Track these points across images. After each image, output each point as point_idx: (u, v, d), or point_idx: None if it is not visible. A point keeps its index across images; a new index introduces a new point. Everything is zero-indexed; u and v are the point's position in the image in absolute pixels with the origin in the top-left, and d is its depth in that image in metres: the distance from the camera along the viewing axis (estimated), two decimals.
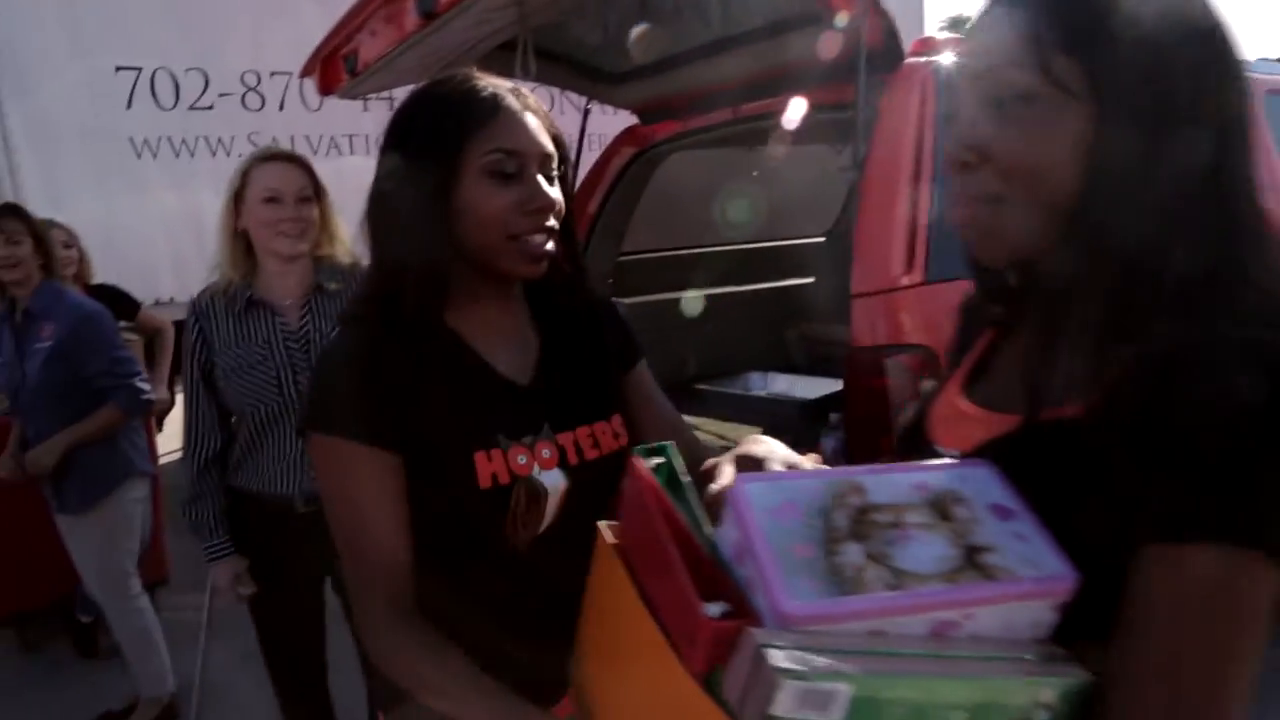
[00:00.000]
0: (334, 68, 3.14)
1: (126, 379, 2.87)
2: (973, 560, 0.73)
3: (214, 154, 5.35)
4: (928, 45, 2.53)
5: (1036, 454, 0.78)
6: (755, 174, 3.72)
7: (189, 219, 5.21)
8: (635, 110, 3.69)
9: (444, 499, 1.15)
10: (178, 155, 5.26)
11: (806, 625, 0.67)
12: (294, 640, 2.44)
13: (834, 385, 2.67)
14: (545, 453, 1.20)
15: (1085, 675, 0.69)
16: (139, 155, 5.15)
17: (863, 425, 2.37)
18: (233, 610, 2.50)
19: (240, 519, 2.31)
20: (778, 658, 0.64)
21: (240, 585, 2.31)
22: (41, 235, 2.94)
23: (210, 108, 5.34)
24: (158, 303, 4.82)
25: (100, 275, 3.93)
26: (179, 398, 4.68)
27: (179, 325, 3.29)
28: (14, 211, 2.97)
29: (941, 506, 0.77)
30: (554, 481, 1.20)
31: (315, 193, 2.28)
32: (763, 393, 3.85)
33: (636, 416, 1.33)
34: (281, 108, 5.51)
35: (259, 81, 5.46)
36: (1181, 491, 0.65)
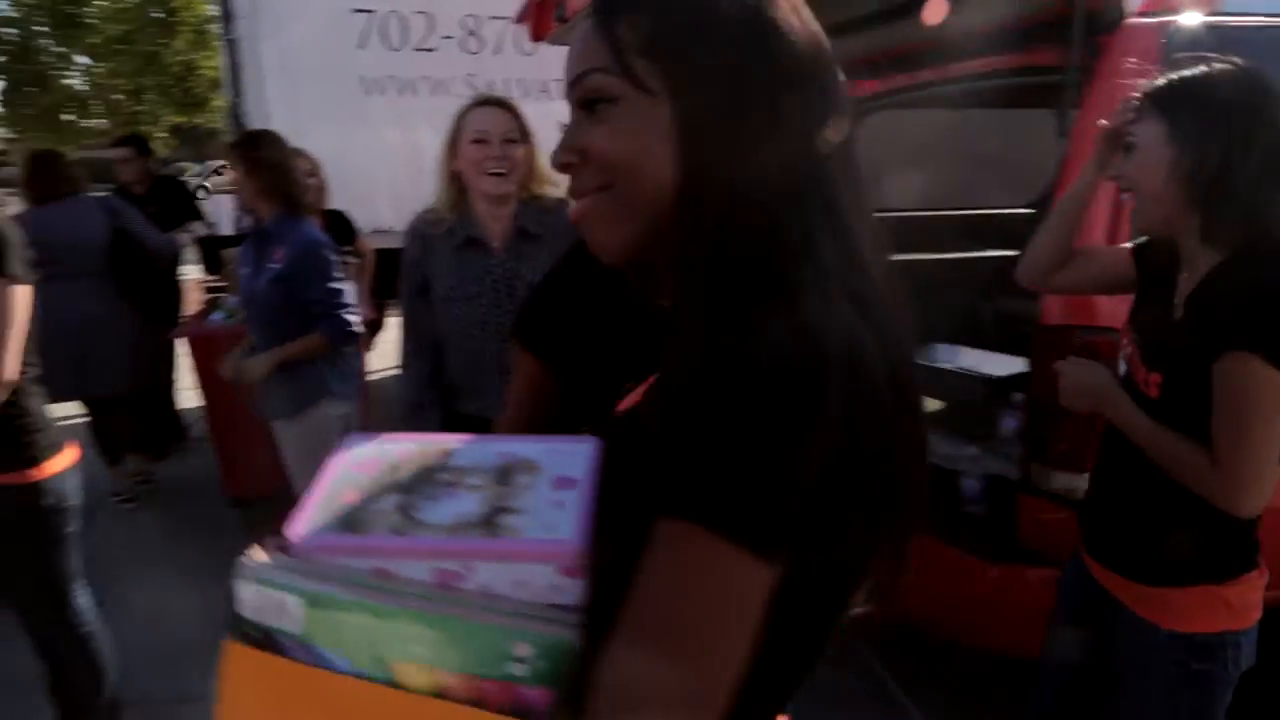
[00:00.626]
0: (545, 15, 3.26)
1: (336, 311, 3.09)
2: (490, 519, 0.76)
3: (433, 93, 5.65)
4: (1159, 4, 2.36)
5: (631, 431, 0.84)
6: (957, 138, 3.59)
7: (408, 154, 5.57)
8: None
9: None
10: (401, 93, 5.61)
11: (306, 554, 0.73)
12: None
13: (1023, 364, 2.58)
14: None
15: (566, 635, 0.70)
16: (367, 93, 5.53)
17: (1043, 407, 2.29)
18: None
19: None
20: (247, 565, 0.72)
21: None
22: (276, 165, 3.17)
23: (433, 50, 5.64)
24: (376, 230, 5.18)
25: (329, 202, 4.28)
26: (389, 319, 5.10)
27: (390, 253, 3.55)
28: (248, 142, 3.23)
29: (507, 473, 0.82)
30: None
31: (521, 135, 2.39)
32: (948, 365, 3.74)
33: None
34: (498, 51, 5.74)
35: (478, 25, 5.70)
36: (674, 470, 0.68)
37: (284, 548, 0.75)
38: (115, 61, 20.35)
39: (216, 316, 4.64)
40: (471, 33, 5.68)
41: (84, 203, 4.21)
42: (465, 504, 0.78)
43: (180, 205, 5.57)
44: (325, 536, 0.75)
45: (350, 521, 0.77)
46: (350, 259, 4.10)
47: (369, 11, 5.45)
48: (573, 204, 0.85)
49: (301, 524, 0.76)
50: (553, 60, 5.50)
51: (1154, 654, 1.67)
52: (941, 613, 2.48)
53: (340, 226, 4.17)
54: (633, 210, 0.80)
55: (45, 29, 21.42)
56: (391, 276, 4.60)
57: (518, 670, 0.70)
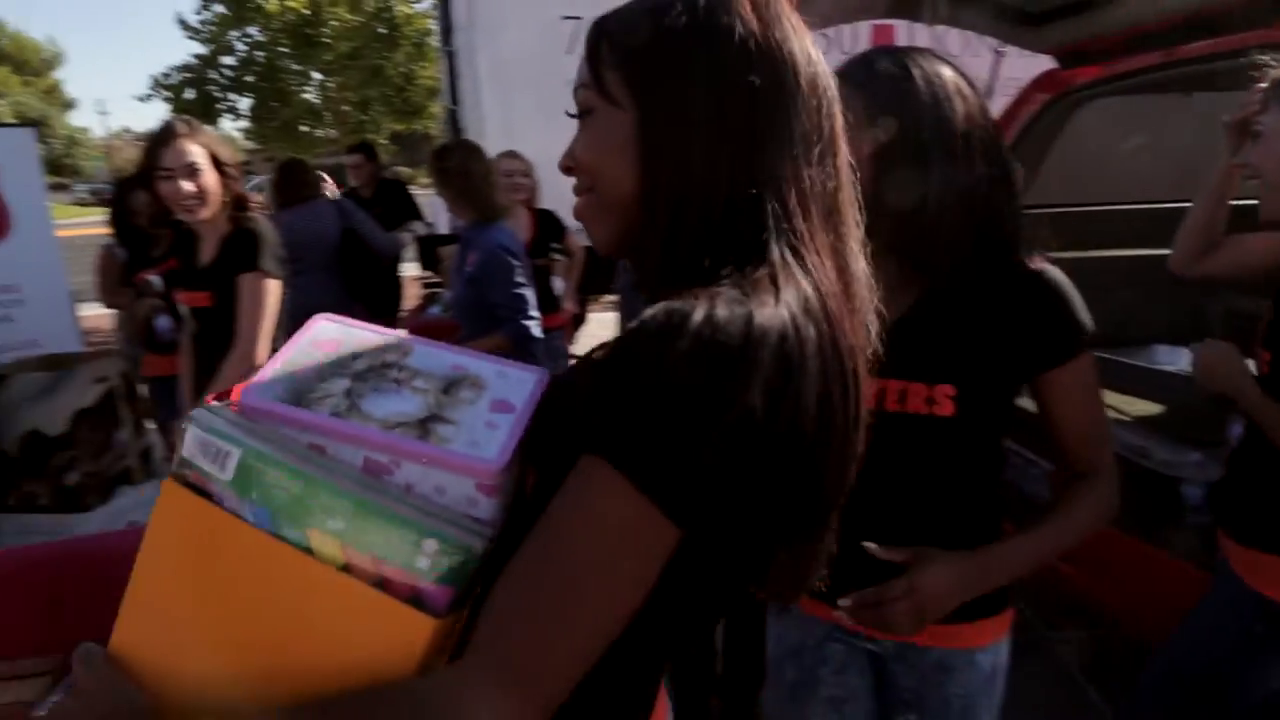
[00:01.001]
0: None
1: (517, 315, 3.26)
2: (425, 423, 0.82)
3: None
4: None
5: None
6: (1186, 125, 3.36)
7: None
8: (1053, 53, 3.47)
9: None
10: None
11: (252, 416, 0.80)
12: None
13: (1252, 367, 2.40)
14: None
15: (474, 544, 0.75)
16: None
17: None
18: None
19: None
20: (199, 412, 0.80)
21: None
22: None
23: None
24: (580, 229, 5.39)
25: (541, 201, 4.50)
26: (590, 314, 5.28)
27: (593, 250, 3.69)
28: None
29: (454, 384, 0.89)
30: None
31: None
32: (1169, 368, 3.52)
33: (1051, 415, 1.44)
34: None
35: None
36: (603, 416, 0.74)
37: (235, 405, 0.83)
38: (345, 75, 21.96)
39: (433, 310, 4.96)
40: None
41: (321, 205, 4.61)
42: (407, 404, 0.85)
43: (402, 206, 5.98)
44: (273, 404, 0.82)
45: (299, 395, 0.84)
46: (559, 256, 4.29)
47: (577, 18, 5.66)
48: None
49: (255, 388, 0.84)
50: None
51: None
52: (1159, 622, 2.35)
53: (550, 225, 4.38)
54: (609, 209, 0.90)
55: (287, 49, 23.42)
56: (594, 273, 4.81)
57: (422, 564, 0.75)
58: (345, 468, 0.80)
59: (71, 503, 4.36)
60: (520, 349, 3.27)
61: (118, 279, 4.37)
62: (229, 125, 28.23)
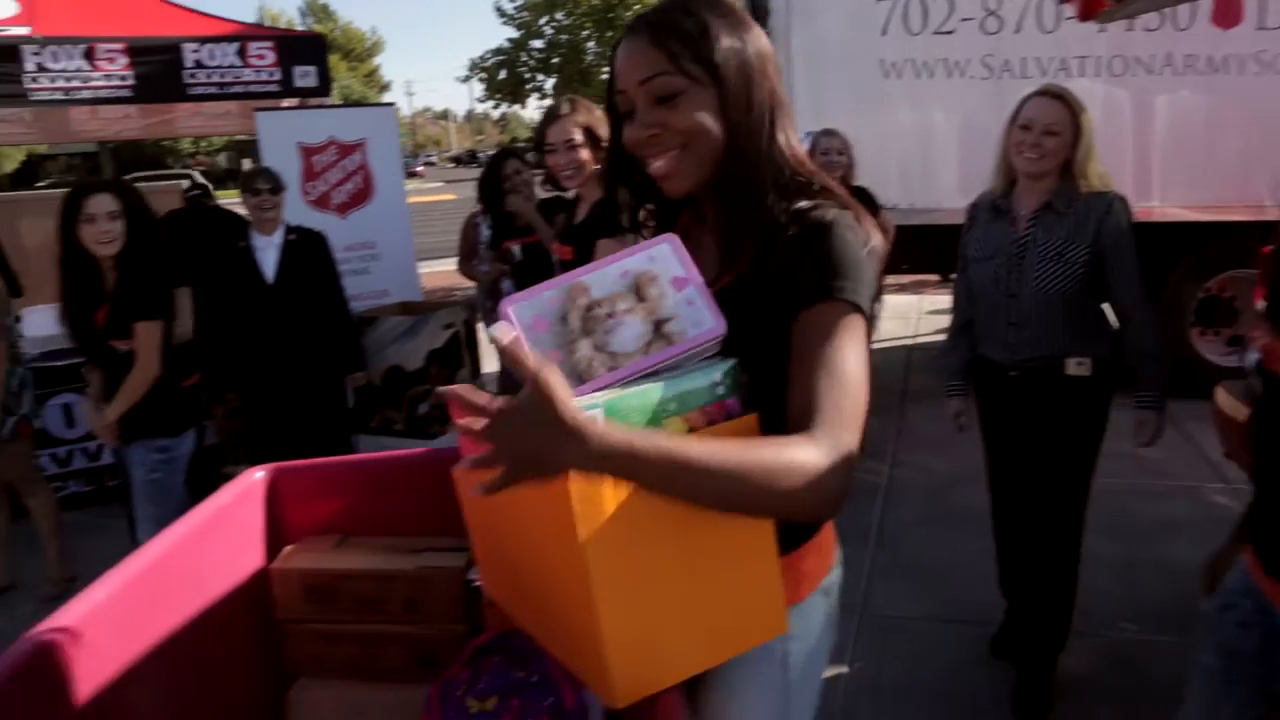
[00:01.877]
0: None
1: None
2: (660, 331, 1.13)
3: (949, 75, 5.75)
4: None
5: (745, 290, 1.25)
6: None
7: (919, 136, 5.78)
8: None
9: None
10: (917, 76, 5.79)
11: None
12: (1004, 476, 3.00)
13: None
14: None
15: (732, 360, 1.14)
16: (885, 76, 5.80)
17: None
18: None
19: (979, 376, 2.95)
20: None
21: (962, 419, 3.01)
22: None
23: (951, 32, 5.73)
24: (880, 208, 5.46)
25: (856, 179, 4.63)
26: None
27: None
28: None
29: (639, 288, 1.16)
30: None
31: (1066, 128, 2.59)
32: None
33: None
34: (1018, 30, 5.68)
35: (999, 5, 5.68)
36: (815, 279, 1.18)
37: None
38: None
39: None
40: (991, 13, 5.68)
41: None
42: (633, 328, 1.15)
43: None
44: (587, 388, 1.09)
45: (574, 375, 1.11)
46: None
47: (890, 1, 5.71)
48: (656, 163, 1.26)
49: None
50: (1076, 37, 5.39)
51: None
52: None
53: (865, 202, 4.51)
54: (701, 161, 1.26)
55: (590, 32, 24.69)
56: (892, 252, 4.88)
57: (720, 391, 1.12)
58: (652, 381, 1.11)
59: (420, 429, 5.05)
60: None
61: (473, 248, 4.86)
62: (535, 104, 30.16)
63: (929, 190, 5.70)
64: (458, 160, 65.14)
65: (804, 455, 1.03)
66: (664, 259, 1.22)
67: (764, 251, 1.25)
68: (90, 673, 1.43)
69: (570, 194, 3.20)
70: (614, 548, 1.02)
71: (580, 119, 2.92)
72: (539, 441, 0.93)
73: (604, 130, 2.94)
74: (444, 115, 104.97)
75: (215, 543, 1.83)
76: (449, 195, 29.71)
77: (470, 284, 5.27)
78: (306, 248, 4.27)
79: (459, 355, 5.22)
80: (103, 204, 3.13)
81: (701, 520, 1.04)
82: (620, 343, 1.13)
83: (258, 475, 2.01)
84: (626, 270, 1.21)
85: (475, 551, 1.55)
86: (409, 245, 6.40)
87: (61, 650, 1.38)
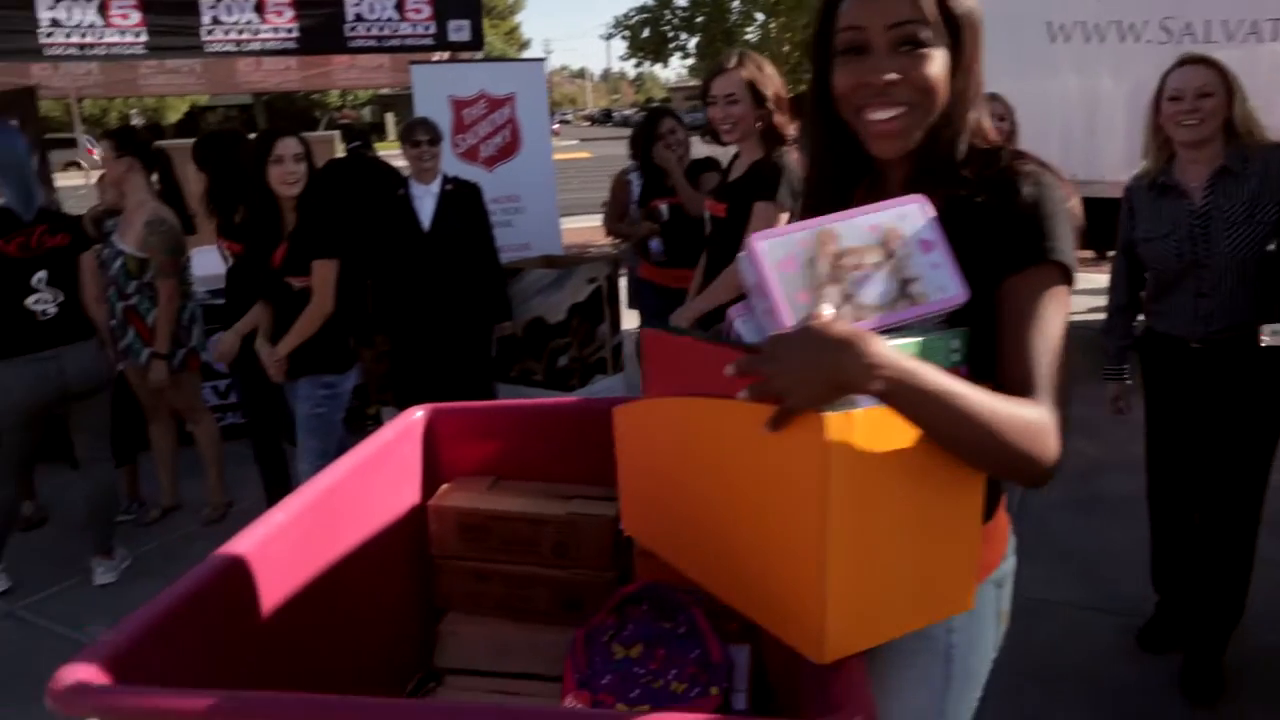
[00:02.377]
0: None
1: None
2: (905, 290, 1.14)
3: (1122, 39, 5.42)
4: None
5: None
6: None
7: (1085, 101, 5.49)
8: None
9: None
10: (1087, 40, 5.48)
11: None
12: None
13: None
14: None
15: (967, 329, 1.15)
16: (1052, 39, 5.51)
17: None
18: None
19: (1153, 353, 2.84)
20: None
21: (1120, 403, 2.93)
22: None
23: None
24: None
25: (1018, 144, 4.43)
26: None
27: None
28: None
29: (887, 244, 1.15)
30: None
31: (1219, 88, 2.54)
32: None
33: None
34: None
35: None
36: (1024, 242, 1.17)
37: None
38: (788, 16, 22.37)
39: None
40: None
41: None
42: (880, 284, 1.14)
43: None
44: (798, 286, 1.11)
45: (814, 304, 1.09)
46: None
47: None
48: (881, 115, 1.21)
49: (789, 320, 1.08)
50: None
51: None
52: None
53: None
54: (924, 118, 1.22)
55: None
56: None
57: (955, 357, 1.14)
58: (894, 341, 1.08)
59: (559, 381, 5.13)
60: None
61: (624, 206, 4.85)
62: (678, 63, 30.01)
63: (1092, 162, 5.41)
64: (593, 119, 65.57)
65: (1038, 419, 1.07)
66: (912, 218, 1.19)
67: (955, 220, 1.20)
68: (265, 593, 1.50)
69: (729, 150, 3.16)
70: (854, 500, 1.02)
71: (745, 74, 2.87)
72: (821, 357, 0.98)
73: (770, 87, 2.89)
74: (580, 74, 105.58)
75: (378, 478, 1.90)
76: (584, 154, 29.96)
77: (609, 241, 5.29)
78: (462, 198, 4.37)
79: (600, 310, 5.27)
80: (289, 146, 3.29)
81: (931, 480, 1.07)
82: (867, 296, 1.13)
83: (417, 415, 2.07)
84: (876, 225, 1.19)
85: (623, 494, 1.54)
86: (552, 199, 6.48)
87: (243, 570, 1.46)
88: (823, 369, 0.98)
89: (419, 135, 4.25)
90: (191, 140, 4.69)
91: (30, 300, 3.48)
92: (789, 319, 1.08)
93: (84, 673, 1.10)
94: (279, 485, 3.80)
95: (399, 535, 1.94)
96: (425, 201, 4.30)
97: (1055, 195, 1.19)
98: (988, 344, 1.16)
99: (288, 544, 1.58)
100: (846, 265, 1.15)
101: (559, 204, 6.70)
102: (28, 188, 3.50)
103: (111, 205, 4.26)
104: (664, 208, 4.42)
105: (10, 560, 3.74)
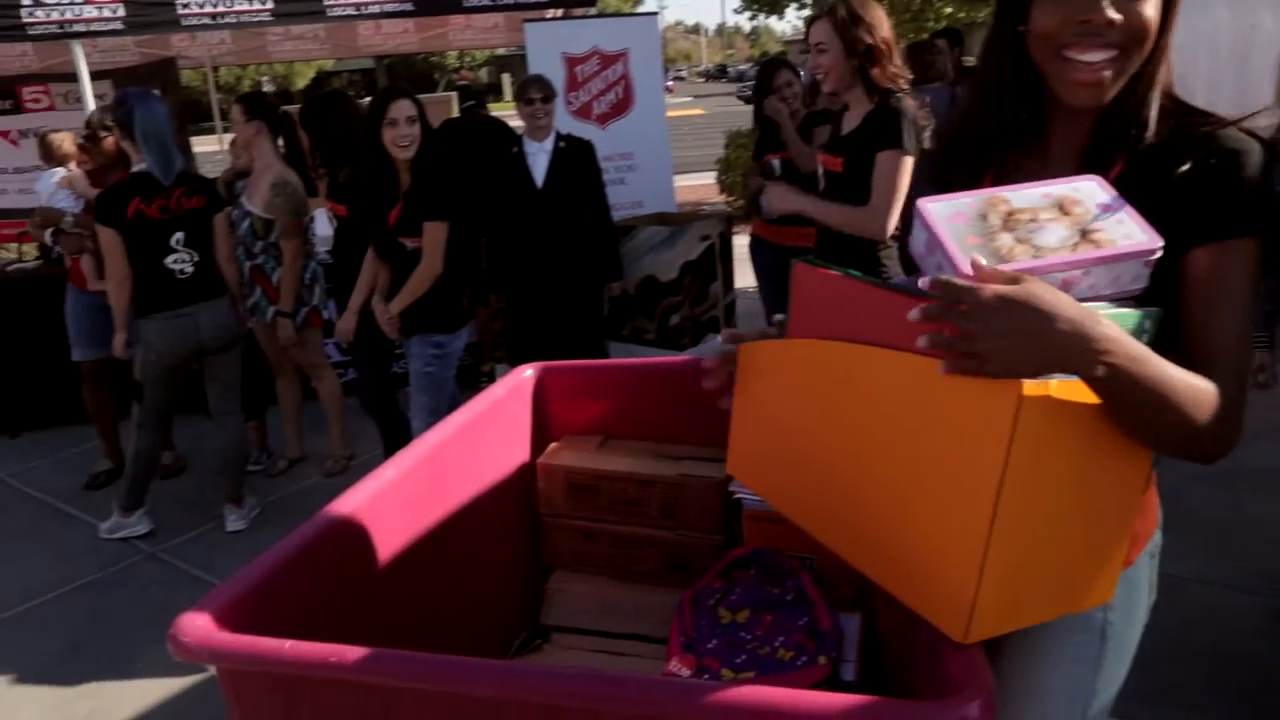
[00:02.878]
0: None
1: None
2: (1086, 236, 1.06)
3: None
4: None
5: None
6: None
7: (1237, 39, 5.09)
8: None
9: None
10: None
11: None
12: None
13: None
14: None
15: (1159, 310, 1.05)
16: None
17: None
18: None
19: None
20: None
21: (1262, 376, 2.78)
22: None
23: None
24: None
25: None
26: None
27: None
28: None
29: (1063, 206, 1.09)
30: None
31: None
32: None
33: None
34: None
35: None
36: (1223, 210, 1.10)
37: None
38: None
39: None
40: None
41: (939, 91, 4.67)
42: (1060, 232, 1.06)
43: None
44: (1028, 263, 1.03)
45: (995, 259, 1.03)
46: None
47: None
48: (1093, 58, 1.11)
49: (964, 261, 1.01)
50: None
51: None
52: None
53: None
54: (1130, 65, 1.13)
55: None
56: None
57: (1145, 339, 1.01)
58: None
59: (671, 340, 5.11)
60: None
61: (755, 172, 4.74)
62: (793, 15, 29.36)
63: (1242, 110, 5.02)
64: (708, 75, 64.79)
65: (1228, 400, 1.04)
66: (1088, 190, 1.13)
67: (1141, 183, 1.12)
68: (374, 548, 1.53)
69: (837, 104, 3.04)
70: (1032, 477, 0.94)
71: (835, 21, 2.72)
72: (1042, 328, 0.90)
73: (867, 35, 2.72)
74: (695, 29, 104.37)
75: (488, 434, 1.91)
76: (698, 110, 29.66)
77: (723, 198, 5.21)
78: (575, 155, 4.36)
79: (713, 268, 5.21)
80: (403, 109, 3.30)
81: (1103, 464, 1.01)
82: (1045, 240, 1.05)
83: (527, 373, 2.07)
84: (1048, 193, 1.13)
85: (733, 433, 1.44)
86: (666, 157, 6.42)
87: (353, 525, 1.48)
88: (1041, 342, 0.90)
89: (532, 93, 4.25)
90: None
91: (169, 260, 3.63)
92: (964, 264, 1.00)
93: (201, 620, 1.13)
94: (397, 439, 3.90)
95: (508, 493, 1.95)
96: (539, 159, 4.31)
97: (1256, 161, 1.10)
98: (1168, 315, 1.08)
99: (398, 499, 1.60)
100: (1020, 219, 1.08)
101: (672, 161, 6.64)
102: (168, 153, 3.64)
103: (242, 168, 4.41)
104: (775, 163, 4.32)
105: (152, 505, 3.96)
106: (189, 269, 3.67)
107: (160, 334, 3.63)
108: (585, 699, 0.97)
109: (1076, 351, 0.91)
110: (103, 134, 4.21)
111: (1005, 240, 1.05)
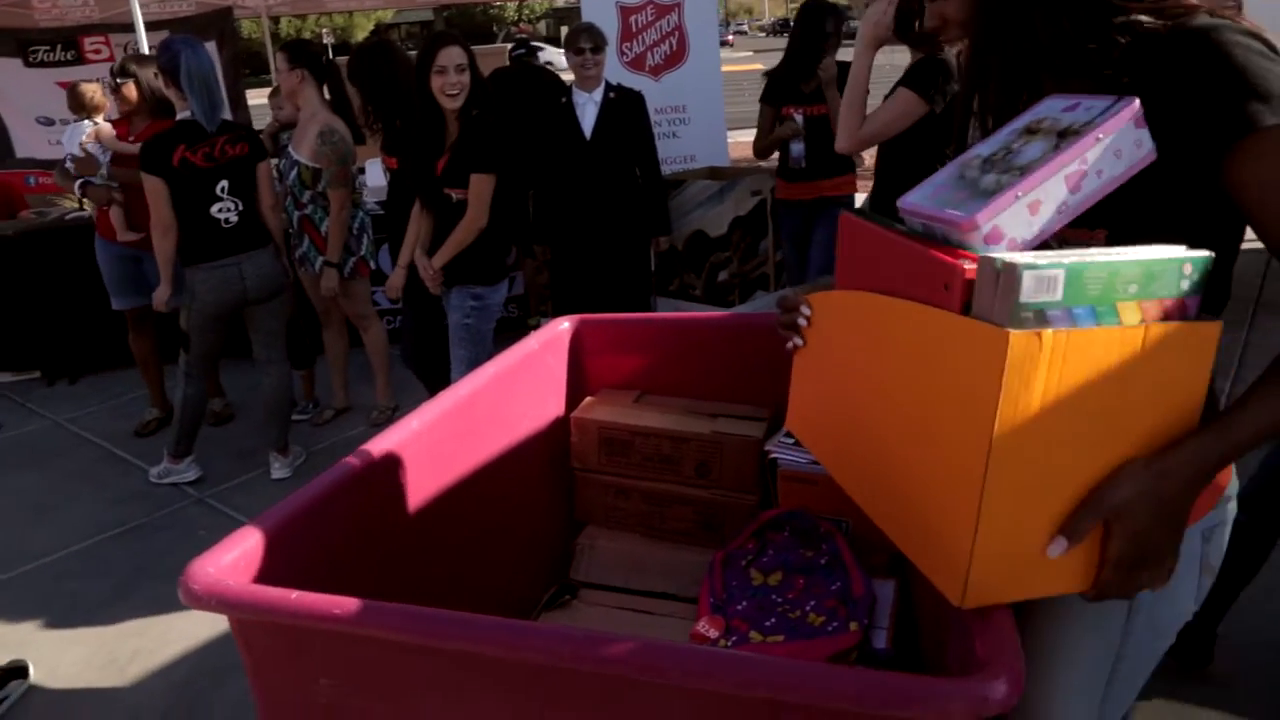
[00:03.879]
0: None
1: None
2: (1064, 137, 1.01)
3: None
4: None
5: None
6: None
7: None
8: None
9: None
10: None
11: (991, 220, 0.97)
12: None
13: None
14: None
15: (1209, 254, 0.96)
16: None
17: None
18: None
19: None
20: (1016, 261, 0.89)
21: None
22: None
23: None
24: None
25: None
26: None
27: None
28: None
29: (1030, 129, 1.06)
30: None
31: None
32: None
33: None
34: None
35: None
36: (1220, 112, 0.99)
37: (978, 240, 0.98)
38: None
39: None
40: None
41: None
42: (1037, 147, 1.02)
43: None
44: (996, 200, 0.98)
45: (983, 195, 1.00)
46: None
47: None
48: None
49: (965, 217, 0.98)
50: None
51: None
52: None
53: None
54: None
55: None
56: None
57: (1185, 286, 0.95)
58: (1113, 256, 0.95)
59: (718, 297, 5.03)
60: None
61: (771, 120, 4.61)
62: None
63: None
64: (769, 30, 63.65)
65: None
66: (1047, 106, 1.09)
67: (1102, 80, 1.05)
68: (399, 498, 1.50)
69: None
70: (1025, 431, 0.91)
71: None
72: (1157, 529, 0.97)
73: None
74: None
75: (521, 386, 1.87)
76: (758, 65, 29.12)
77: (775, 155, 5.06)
78: (624, 106, 4.27)
79: (764, 224, 5.10)
80: (452, 56, 3.22)
81: (1116, 429, 0.96)
82: (1026, 157, 1.02)
83: (564, 325, 2.03)
84: (1013, 129, 1.09)
85: (794, 388, 1.38)
86: (719, 110, 6.29)
87: (379, 473, 1.46)
88: (1162, 534, 0.97)
89: (582, 42, 4.16)
90: None
91: (214, 209, 3.64)
92: (963, 218, 0.99)
93: (212, 568, 1.11)
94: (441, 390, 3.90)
95: (540, 446, 1.92)
96: (587, 109, 4.23)
97: (1244, 40, 0.98)
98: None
99: (424, 450, 1.57)
100: (997, 159, 1.06)
101: (727, 117, 6.51)
102: (213, 100, 3.63)
103: (286, 120, 4.39)
104: (799, 116, 4.20)
105: (201, 452, 4.01)
106: (234, 218, 3.67)
107: (205, 283, 3.65)
108: (576, 660, 0.93)
109: (1177, 504, 0.97)
110: (120, 81, 4.22)
111: (989, 179, 1.02)
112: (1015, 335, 0.88)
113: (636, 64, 5.95)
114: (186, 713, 2.54)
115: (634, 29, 5.91)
